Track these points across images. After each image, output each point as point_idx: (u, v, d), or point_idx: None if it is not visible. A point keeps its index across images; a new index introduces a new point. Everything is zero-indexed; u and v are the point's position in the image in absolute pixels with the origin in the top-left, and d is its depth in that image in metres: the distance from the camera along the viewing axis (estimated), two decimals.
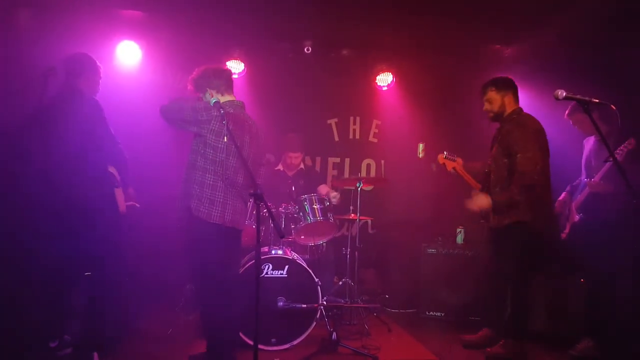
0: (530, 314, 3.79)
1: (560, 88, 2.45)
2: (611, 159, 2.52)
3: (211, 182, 2.99)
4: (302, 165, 4.89)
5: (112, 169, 3.16)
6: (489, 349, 3.60)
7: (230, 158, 3.02)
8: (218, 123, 2.94)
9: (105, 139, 3.10)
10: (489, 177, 3.75)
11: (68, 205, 2.89)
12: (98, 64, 3.32)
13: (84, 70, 3.22)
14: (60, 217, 2.90)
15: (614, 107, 2.48)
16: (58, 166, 2.93)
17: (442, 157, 4.10)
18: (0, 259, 2.99)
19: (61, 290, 3.03)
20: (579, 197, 3.82)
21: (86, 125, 2.99)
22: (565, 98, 2.46)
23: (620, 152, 3.53)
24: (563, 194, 4.02)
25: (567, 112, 3.93)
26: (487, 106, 3.73)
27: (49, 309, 2.96)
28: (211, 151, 2.98)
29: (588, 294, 3.83)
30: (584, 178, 3.84)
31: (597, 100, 2.48)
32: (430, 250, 4.80)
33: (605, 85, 3.88)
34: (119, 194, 3.13)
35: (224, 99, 3.17)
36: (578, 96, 2.47)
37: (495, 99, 3.69)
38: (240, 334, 3.47)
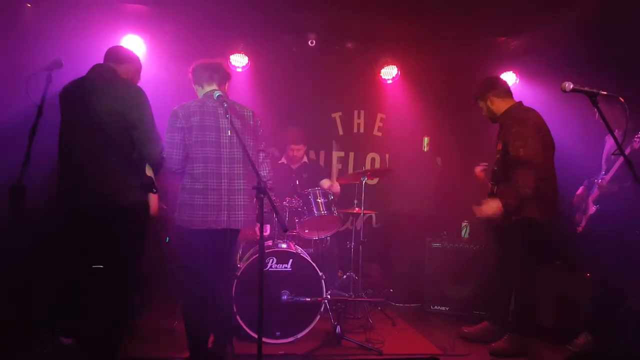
0: (536, 309, 3.78)
1: (567, 80, 2.42)
2: (618, 152, 2.49)
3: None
4: (305, 159, 4.87)
5: (149, 172, 2.87)
6: (494, 345, 3.59)
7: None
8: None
9: (150, 132, 2.75)
10: (496, 174, 3.70)
11: (96, 208, 2.69)
12: (140, 66, 3.07)
13: (132, 61, 2.97)
14: (84, 218, 2.73)
15: (622, 99, 2.45)
16: (88, 163, 2.67)
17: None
18: (17, 252, 2.98)
19: (74, 287, 2.99)
20: (596, 191, 3.75)
21: (128, 111, 2.68)
22: (573, 90, 2.42)
23: (637, 141, 3.43)
24: (581, 188, 3.95)
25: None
26: (483, 113, 3.85)
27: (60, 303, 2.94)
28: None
29: (595, 288, 3.79)
30: (603, 173, 3.77)
31: (605, 93, 2.44)
32: (435, 245, 4.78)
33: (615, 77, 3.83)
34: (153, 198, 2.98)
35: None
36: (586, 88, 2.43)
37: (482, 107, 3.81)
38: (245, 327, 3.48)
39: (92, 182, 2.69)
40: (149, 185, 2.83)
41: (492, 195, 3.65)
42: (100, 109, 2.66)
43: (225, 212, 2.99)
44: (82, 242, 2.81)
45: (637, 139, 3.44)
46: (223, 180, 2.99)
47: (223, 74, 3.21)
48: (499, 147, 3.67)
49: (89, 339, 2.88)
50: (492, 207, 3.50)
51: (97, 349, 2.81)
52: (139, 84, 2.98)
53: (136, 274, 2.93)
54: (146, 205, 2.87)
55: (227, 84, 3.26)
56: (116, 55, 2.93)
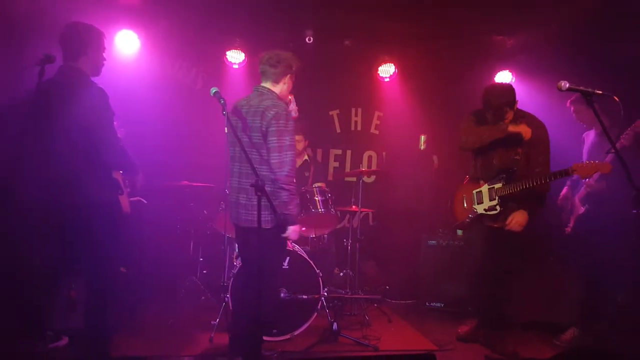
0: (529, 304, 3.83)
1: (564, 79, 2.44)
2: (613, 151, 2.51)
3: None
4: (306, 156, 4.82)
5: (116, 174, 2.92)
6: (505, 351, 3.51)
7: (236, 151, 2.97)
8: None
9: (110, 137, 2.78)
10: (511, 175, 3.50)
11: (65, 208, 2.71)
12: (100, 33, 2.87)
13: (86, 48, 2.80)
14: (55, 218, 2.76)
15: (617, 99, 2.46)
16: (58, 164, 2.70)
17: None
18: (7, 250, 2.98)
19: (50, 288, 2.99)
20: (582, 190, 3.79)
21: (92, 118, 2.69)
22: (569, 89, 2.45)
23: (626, 136, 3.47)
24: (565, 189, 3.98)
25: (571, 99, 3.86)
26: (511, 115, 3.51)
27: (38, 306, 2.94)
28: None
29: (586, 285, 3.82)
30: None
31: (600, 92, 2.46)
32: (430, 242, 4.80)
33: (609, 76, 3.86)
34: (122, 199, 2.97)
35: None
36: (581, 87, 2.45)
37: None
38: None
39: (58, 183, 2.71)
40: (116, 187, 2.88)
41: (478, 193, 3.59)
42: (65, 114, 2.68)
43: (242, 211, 2.96)
44: (56, 242, 2.83)
45: (627, 135, 3.46)
46: (235, 179, 2.99)
47: (262, 68, 3.09)
48: (520, 149, 3.48)
49: (78, 337, 2.91)
50: (521, 220, 3.44)
51: (86, 346, 2.83)
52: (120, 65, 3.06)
53: (116, 269, 2.94)
54: (116, 204, 2.88)
55: (267, 77, 3.08)
56: (72, 51, 2.80)
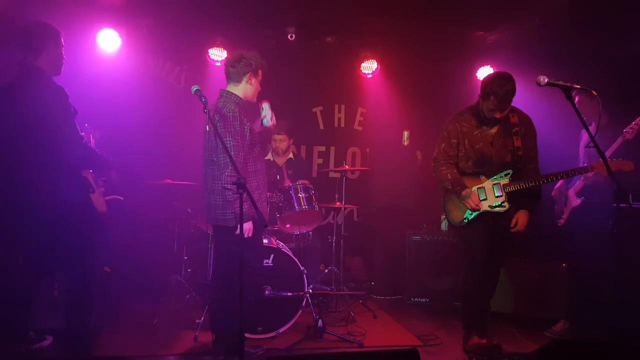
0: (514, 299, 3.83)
1: (543, 74, 2.46)
2: (592, 146, 2.55)
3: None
4: (291, 155, 4.81)
5: (86, 173, 2.90)
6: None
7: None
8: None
9: (71, 136, 2.74)
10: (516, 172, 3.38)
11: (33, 208, 2.69)
12: (58, 31, 2.86)
13: (44, 45, 2.77)
14: (26, 219, 2.74)
15: (595, 93, 2.50)
16: (20, 165, 2.69)
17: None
18: None
19: (31, 288, 2.93)
20: (578, 183, 3.78)
21: (51, 117, 2.67)
22: (548, 84, 2.47)
23: (630, 131, 3.45)
24: (559, 182, 3.96)
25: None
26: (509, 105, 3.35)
27: (17, 307, 2.88)
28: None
29: (573, 277, 3.85)
30: (583, 164, 3.74)
31: (578, 86, 2.50)
32: (415, 237, 4.83)
33: (590, 70, 3.90)
34: (95, 198, 2.94)
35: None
36: (560, 82, 2.48)
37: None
38: None
39: (23, 186, 2.69)
40: (86, 186, 2.86)
41: (480, 190, 3.38)
42: (23, 114, 2.66)
43: (207, 211, 3.14)
44: (31, 243, 2.83)
45: (631, 130, 3.46)
46: (206, 181, 3.12)
47: (225, 70, 3.23)
48: (518, 143, 3.36)
49: (61, 336, 2.92)
50: (525, 221, 3.34)
51: (69, 346, 2.85)
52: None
53: (97, 269, 2.93)
54: (86, 203, 2.86)
55: (229, 78, 3.20)
56: (31, 49, 2.77)
